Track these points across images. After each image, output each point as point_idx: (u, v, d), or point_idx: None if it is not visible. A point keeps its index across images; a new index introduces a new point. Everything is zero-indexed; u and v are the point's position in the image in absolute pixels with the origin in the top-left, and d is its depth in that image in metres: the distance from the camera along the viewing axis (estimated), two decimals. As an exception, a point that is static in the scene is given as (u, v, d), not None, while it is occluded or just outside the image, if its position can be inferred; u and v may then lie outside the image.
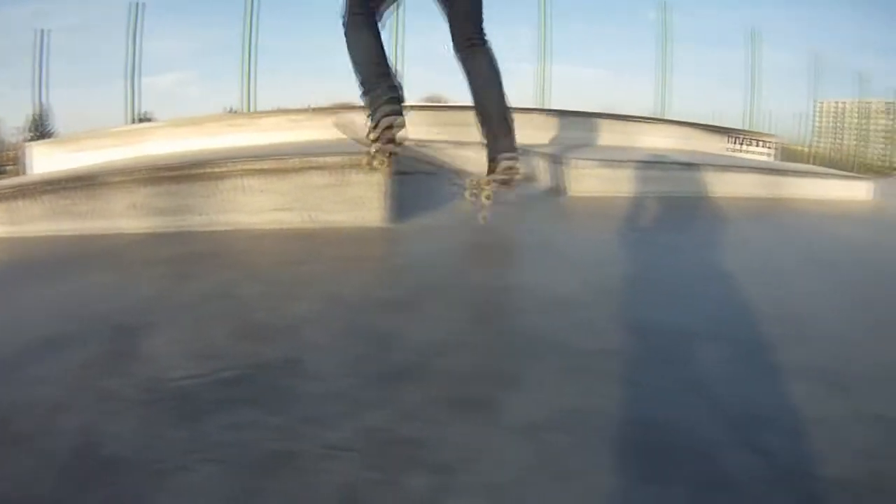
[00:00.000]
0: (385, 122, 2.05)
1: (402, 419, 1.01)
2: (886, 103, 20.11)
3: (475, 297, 1.70)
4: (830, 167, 14.28)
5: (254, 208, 2.41)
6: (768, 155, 6.69)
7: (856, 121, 21.66)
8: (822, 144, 20.71)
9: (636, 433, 1.02)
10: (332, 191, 2.42)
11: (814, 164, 13.67)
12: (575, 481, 0.87)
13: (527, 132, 4.76)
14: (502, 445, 0.95)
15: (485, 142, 2.33)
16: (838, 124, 19.10)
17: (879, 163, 20.44)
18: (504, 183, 2.27)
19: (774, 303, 1.80)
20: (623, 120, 5.53)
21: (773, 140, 6.90)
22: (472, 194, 2.33)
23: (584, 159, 3.48)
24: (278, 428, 0.96)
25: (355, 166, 2.39)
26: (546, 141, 4.74)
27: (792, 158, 13.81)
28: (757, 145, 6.50)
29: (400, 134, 2.08)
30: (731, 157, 5.83)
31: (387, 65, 2.11)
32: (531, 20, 11.35)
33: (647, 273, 2.05)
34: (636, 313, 1.62)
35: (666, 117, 9.41)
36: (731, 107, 12.50)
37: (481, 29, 2.20)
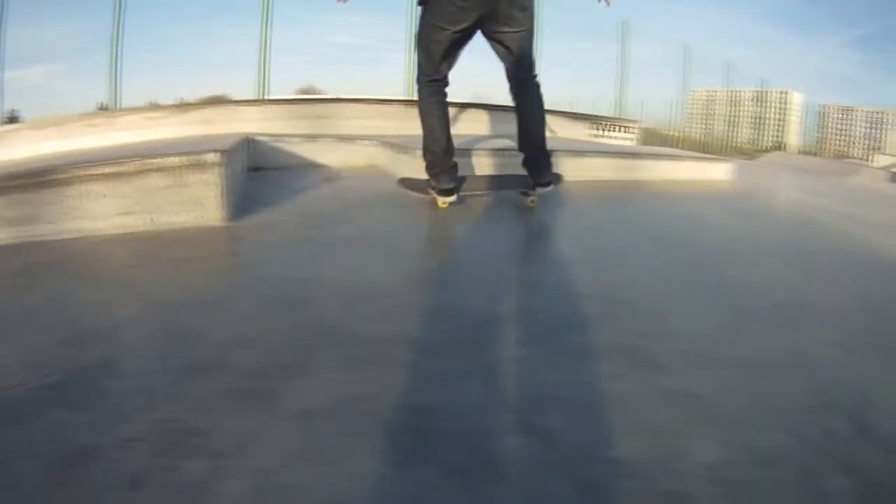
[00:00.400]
0: (440, 198, 2.88)
1: (191, 411, 1.15)
2: (754, 91, 23.32)
3: (288, 291, 1.83)
4: (701, 151, 16.34)
5: (98, 214, 2.49)
6: (631, 140, 7.41)
7: (725, 107, 25.25)
8: (693, 130, 23.74)
9: (407, 419, 1.15)
10: (172, 192, 2.53)
11: (683, 148, 15.71)
12: (336, 466, 0.99)
13: (379, 122, 5.01)
14: (276, 433, 1.08)
15: (526, 166, 2.95)
16: (709, 111, 21.62)
17: (748, 146, 24.10)
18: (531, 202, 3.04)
19: (596, 284, 2.03)
20: (487, 109, 5.92)
21: (635, 125, 7.64)
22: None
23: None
24: (87, 424, 1.10)
25: (193, 166, 2.52)
26: (400, 131, 4.95)
27: (663, 143, 15.63)
28: (619, 131, 7.16)
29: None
30: (593, 142, 6.41)
31: (450, 139, 2.78)
32: (403, 8, 11.46)
33: (466, 261, 2.31)
34: (440, 300, 1.80)
35: None
36: (605, 96, 13.66)
37: (533, 70, 2.73)
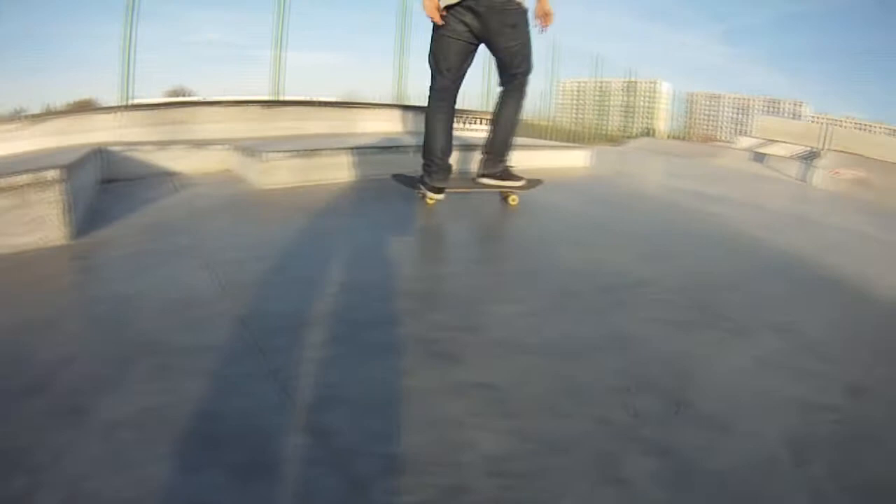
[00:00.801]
0: (429, 194, 3.35)
1: (16, 430, 1.19)
2: (624, 81, 25.21)
3: (114, 308, 1.84)
4: (570, 139, 17.48)
5: (-57, 239, 2.33)
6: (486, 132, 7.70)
7: (595, 97, 27.18)
8: (564, 119, 25.46)
9: (200, 425, 1.22)
10: (14, 213, 2.46)
11: (554, 137, 16.84)
12: (130, 472, 1.07)
13: (237, 125, 5.01)
14: (86, 445, 1.15)
15: (485, 151, 3.47)
16: (579, 101, 23.23)
17: (618, 133, 25.98)
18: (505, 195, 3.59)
19: (414, 279, 2.14)
20: (341, 107, 6.08)
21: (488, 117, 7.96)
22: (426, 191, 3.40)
23: (274, 151, 3.78)
24: None
25: (35, 185, 2.45)
26: (259, 133, 5.17)
27: (533, 133, 16.60)
28: (482, 123, 7.30)
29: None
30: (456, 136, 6.62)
31: (450, 142, 3.28)
32: (269, 5, 11.49)
33: (288, 265, 2.27)
34: (255, 307, 1.83)
35: (402, 100, 10.96)
36: (475, 88, 14.25)
37: (522, 73, 3.26)
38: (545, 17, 3.21)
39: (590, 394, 1.40)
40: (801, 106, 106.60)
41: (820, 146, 12.72)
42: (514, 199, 3.59)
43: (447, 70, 3.13)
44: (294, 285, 2.04)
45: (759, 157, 12.64)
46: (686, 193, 5.16)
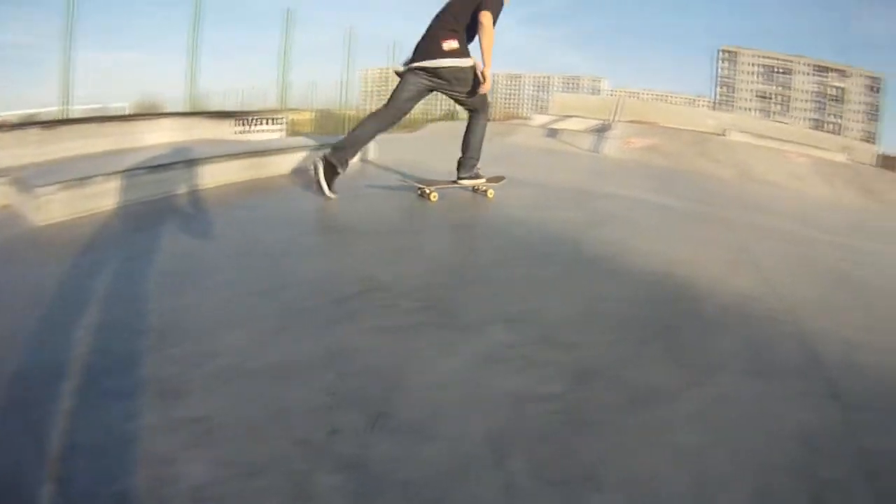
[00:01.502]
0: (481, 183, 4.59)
1: None
2: None
3: None
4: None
5: None
6: (279, 132, 7.68)
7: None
8: (368, 107, 26.39)
9: None
10: None
11: (355, 126, 16.98)
12: None
13: (18, 151, 4.56)
14: None
15: (458, 161, 4.48)
16: (383, 88, 24.21)
17: (422, 117, 27.04)
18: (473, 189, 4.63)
19: (154, 314, 2.06)
20: (130, 120, 5.89)
21: (282, 116, 7.99)
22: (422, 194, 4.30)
23: (44, 184, 3.40)
24: None
25: None
26: (44, 157, 4.73)
27: (337, 123, 16.74)
28: (267, 123, 7.45)
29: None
30: (237, 140, 6.46)
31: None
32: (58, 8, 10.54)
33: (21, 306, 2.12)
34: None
35: (195, 103, 11.26)
36: (271, 84, 14.22)
37: (480, 110, 4.43)
38: (485, 81, 4.21)
39: (293, 415, 1.47)
40: (599, 81, 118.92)
41: (612, 118, 14.20)
42: (490, 193, 4.64)
43: (393, 104, 4.27)
44: (45, 332, 1.93)
45: (553, 133, 13.79)
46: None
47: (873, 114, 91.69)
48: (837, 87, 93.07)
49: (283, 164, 5.03)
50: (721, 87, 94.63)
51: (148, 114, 6.30)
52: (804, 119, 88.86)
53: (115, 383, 1.61)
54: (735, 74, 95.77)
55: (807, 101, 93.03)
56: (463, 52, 4.14)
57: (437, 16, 4.22)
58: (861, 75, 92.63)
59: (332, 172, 4.04)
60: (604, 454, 1.42)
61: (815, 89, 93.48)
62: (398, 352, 1.85)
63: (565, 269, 2.93)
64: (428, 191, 4.28)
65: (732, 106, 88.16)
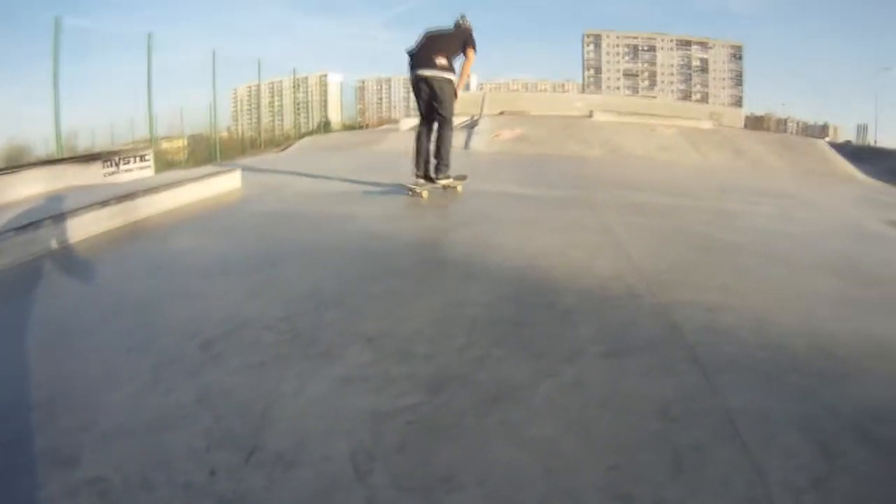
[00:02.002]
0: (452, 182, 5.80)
1: None
2: (294, 79, 26.36)
3: None
4: (247, 148, 17.75)
5: None
6: (148, 168, 7.51)
7: (268, 100, 28.13)
8: (240, 127, 26.24)
9: None
10: None
11: (227, 150, 17.14)
12: None
13: None
14: None
15: (434, 166, 5.65)
16: (253, 105, 24.06)
17: (294, 131, 26.95)
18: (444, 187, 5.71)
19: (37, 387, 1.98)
20: None
21: (149, 152, 7.86)
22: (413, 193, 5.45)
23: None
24: None
25: None
26: None
27: (209, 148, 16.39)
28: (136, 161, 7.31)
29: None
30: (108, 183, 6.17)
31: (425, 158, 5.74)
32: None
33: None
34: None
35: (64, 142, 10.55)
36: (140, 114, 13.77)
37: (449, 118, 5.62)
38: (455, 97, 5.62)
39: (176, 462, 1.53)
40: (469, 77, 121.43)
41: (479, 113, 14.65)
42: (459, 188, 5.80)
43: (419, 112, 5.77)
44: None
45: (424, 134, 14.03)
46: (325, 199, 5.40)
47: (738, 80, 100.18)
48: (701, 59, 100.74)
49: (153, 205, 4.89)
50: (588, 70, 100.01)
51: (12, 167, 5.82)
52: (672, 92, 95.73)
53: (11, 461, 1.60)
54: (601, 56, 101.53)
55: (673, 74, 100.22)
56: (450, 70, 5.58)
57: (431, 39, 5.72)
58: (723, 45, 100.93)
59: (431, 181, 5.62)
60: (460, 456, 1.49)
61: (681, 62, 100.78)
62: (265, 386, 1.90)
63: (423, 278, 3.01)
64: (418, 190, 5.41)
65: (601, 87, 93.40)
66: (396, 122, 23.71)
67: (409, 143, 11.13)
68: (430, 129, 5.73)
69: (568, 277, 2.94)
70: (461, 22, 5.93)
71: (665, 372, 1.95)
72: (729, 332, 2.29)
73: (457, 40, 5.69)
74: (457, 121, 14.71)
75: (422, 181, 5.57)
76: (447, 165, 5.69)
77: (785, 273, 3.24)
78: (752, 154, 13.30)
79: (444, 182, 5.65)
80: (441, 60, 5.53)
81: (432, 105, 5.59)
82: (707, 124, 16.83)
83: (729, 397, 1.80)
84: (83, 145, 16.28)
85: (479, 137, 12.90)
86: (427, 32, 5.79)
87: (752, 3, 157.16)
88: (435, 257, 3.41)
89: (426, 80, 5.54)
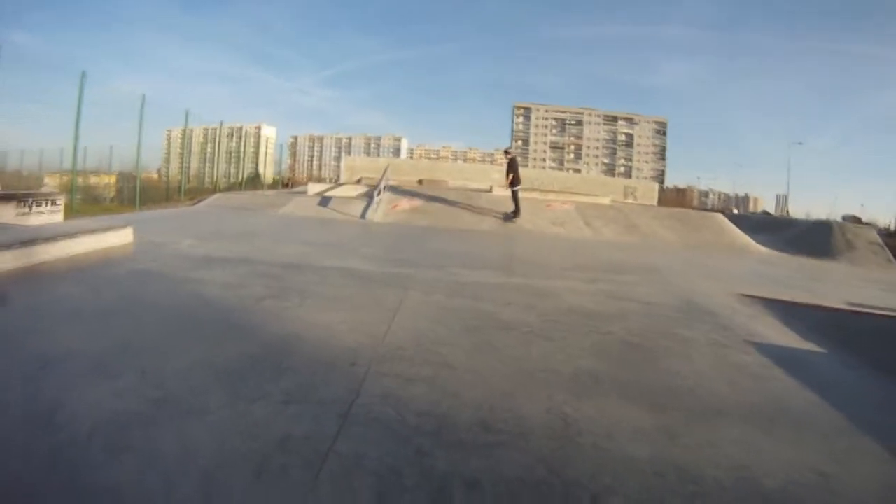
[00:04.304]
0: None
1: None
2: (229, 127, 26.66)
3: None
4: (172, 193, 17.91)
5: None
6: (58, 212, 8.21)
7: (202, 146, 28.21)
8: (171, 170, 26.21)
9: None
10: None
11: (155, 190, 17.33)
12: None
13: None
14: None
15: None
16: (186, 149, 24.15)
17: (224, 180, 27.33)
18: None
19: None
20: None
21: (60, 198, 8.26)
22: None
23: None
24: None
25: None
26: None
27: (133, 188, 16.42)
28: (47, 205, 7.95)
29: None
30: (19, 225, 6.67)
31: None
32: None
33: None
34: None
35: None
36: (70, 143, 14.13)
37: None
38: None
39: None
40: (399, 140, 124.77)
41: (381, 182, 15.07)
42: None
43: None
44: None
45: (326, 200, 14.38)
46: (192, 262, 5.64)
47: (661, 154, 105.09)
48: (627, 133, 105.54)
49: (48, 253, 5.27)
50: (517, 142, 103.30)
51: None
52: (597, 165, 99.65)
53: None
54: (529, 128, 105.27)
55: (598, 148, 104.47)
56: None
57: None
58: (648, 121, 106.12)
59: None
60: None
61: (607, 137, 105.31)
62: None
63: (199, 335, 3.38)
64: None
65: (527, 158, 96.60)
66: (305, 184, 24.08)
67: (312, 208, 11.60)
68: None
69: (319, 343, 3.43)
70: None
71: (312, 417, 2.42)
72: (397, 398, 2.70)
73: None
74: (356, 190, 15.22)
75: None
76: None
77: (536, 354, 3.59)
78: (645, 229, 14.10)
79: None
80: None
81: None
82: (605, 200, 17.72)
83: (339, 443, 2.23)
84: (12, 166, 16.30)
85: (377, 207, 13.28)
86: None
87: (678, 80, 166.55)
88: (226, 323, 3.74)
89: None
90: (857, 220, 30.02)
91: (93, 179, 17.59)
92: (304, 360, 3.13)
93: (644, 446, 2.41)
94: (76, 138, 13.80)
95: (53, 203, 8.23)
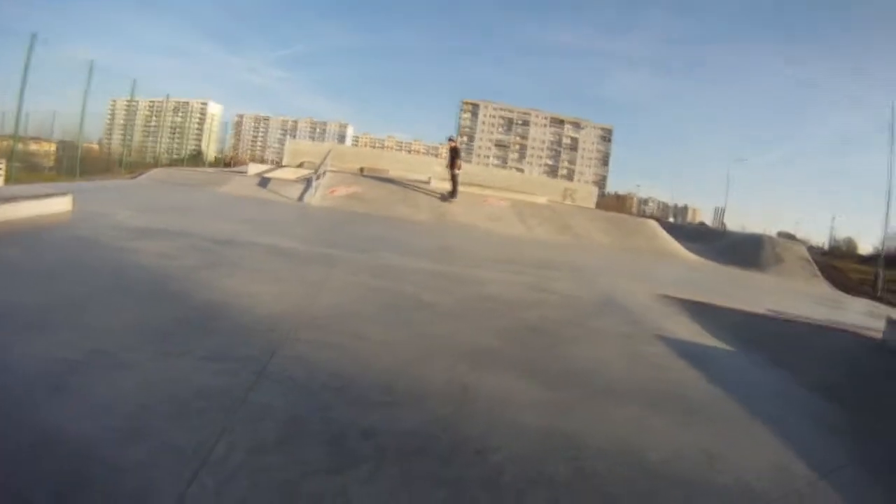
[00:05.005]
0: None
1: None
2: (175, 102, 25.92)
3: None
4: (113, 165, 17.42)
5: None
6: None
7: (145, 119, 27.47)
8: (113, 141, 25.74)
9: None
10: None
11: (96, 161, 16.80)
12: None
13: None
14: None
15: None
16: (129, 121, 23.40)
17: (166, 155, 26.64)
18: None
19: None
20: None
21: (1, 163, 7.95)
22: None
23: None
24: None
25: None
26: None
27: (77, 157, 16.10)
28: None
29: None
30: None
31: None
32: None
33: None
34: None
35: None
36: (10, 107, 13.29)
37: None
38: None
39: None
40: (345, 127, 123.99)
41: (321, 167, 15.06)
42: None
43: None
44: None
45: (265, 182, 14.27)
46: (131, 232, 5.63)
47: (604, 160, 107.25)
48: (572, 137, 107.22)
49: None
50: (462, 137, 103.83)
51: None
52: (540, 166, 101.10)
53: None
54: (476, 125, 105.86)
55: (543, 150, 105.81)
56: None
57: None
58: (594, 127, 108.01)
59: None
60: None
61: (552, 139, 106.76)
62: None
63: (129, 299, 3.47)
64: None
65: (471, 154, 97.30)
66: (244, 165, 23.79)
67: (251, 188, 11.56)
68: None
69: (243, 310, 3.58)
70: None
71: (230, 373, 2.60)
72: (309, 360, 2.90)
73: None
74: (297, 173, 15.20)
75: None
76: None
77: (447, 331, 3.80)
78: (578, 230, 14.52)
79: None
80: None
81: None
82: (542, 200, 18.08)
83: (253, 394, 2.41)
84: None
85: (314, 191, 13.26)
86: None
87: (627, 90, 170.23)
88: (159, 288, 3.86)
89: None
90: (791, 237, 31.50)
91: (33, 146, 16.96)
92: (229, 324, 3.28)
93: (535, 416, 2.63)
94: (20, 102, 13.24)
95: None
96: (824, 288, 12.22)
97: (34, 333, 2.73)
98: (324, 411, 2.35)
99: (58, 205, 6.40)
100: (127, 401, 2.20)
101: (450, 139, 15.60)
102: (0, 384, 2.21)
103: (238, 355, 2.80)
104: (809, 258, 14.82)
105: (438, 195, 14.15)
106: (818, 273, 13.77)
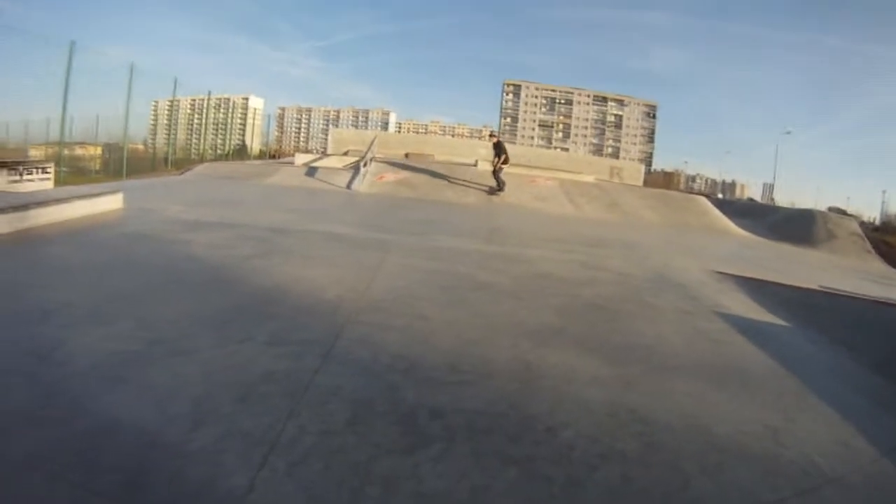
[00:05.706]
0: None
1: None
2: (216, 98, 26.37)
3: None
4: (158, 163, 17.88)
5: None
6: (48, 180, 8.22)
7: (188, 117, 28.03)
8: (158, 140, 25.70)
9: None
10: None
11: (141, 160, 17.25)
12: None
13: None
14: None
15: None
16: (173, 120, 23.93)
17: (210, 152, 27.12)
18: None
19: None
20: None
21: (50, 165, 8.43)
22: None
23: None
24: None
25: None
26: None
27: (121, 158, 16.59)
28: (37, 172, 8.04)
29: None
30: (10, 191, 6.69)
31: None
32: None
33: None
34: None
35: None
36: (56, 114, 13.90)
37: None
38: None
39: None
40: (388, 114, 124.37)
41: (367, 155, 15.17)
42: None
43: None
44: None
45: (312, 171, 14.44)
46: (181, 225, 5.78)
47: (650, 137, 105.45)
48: (616, 115, 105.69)
49: (41, 217, 5.37)
50: (505, 119, 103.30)
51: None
52: (585, 145, 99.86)
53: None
54: (519, 106, 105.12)
55: (587, 128, 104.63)
56: None
57: None
58: (638, 103, 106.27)
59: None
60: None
61: (596, 117, 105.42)
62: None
63: (195, 290, 3.55)
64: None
65: (516, 136, 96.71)
66: (291, 156, 24.08)
67: (298, 178, 11.70)
68: None
69: (302, 295, 3.64)
70: None
71: (294, 356, 2.64)
72: (373, 342, 2.93)
73: None
74: (344, 161, 15.32)
75: None
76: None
77: (505, 310, 3.79)
78: (627, 207, 14.31)
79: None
80: None
81: None
82: (589, 178, 17.88)
83: (319, 377, 2.44)
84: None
85: (363, 179, 13.37)
86: None
87: (670, 66, 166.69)
88: (214, 278, 3.94)
89: None
90: (843, 213, 30.45)
91: (78, 151, 17.38)
92: (288, 308, 3.34)
93: (600, 391, 2.61)
94: (64, 109, 13.64)
95: (44, 171, 8.33)
96: (878, 264, 11.78)
97: (96, 326, 2.81)
98: (391, 392, 2.36)
99: (109, 203, 6.60)
100: (191, 388, 2.27)
101: (491, 134, 15.68)
102: (66, 376, 2.26)
103: (301, 339, 2.86)
104: (861, 234, 14.28)
105: (486, 189, 13.95)
106: (871, 249, 13.27)
